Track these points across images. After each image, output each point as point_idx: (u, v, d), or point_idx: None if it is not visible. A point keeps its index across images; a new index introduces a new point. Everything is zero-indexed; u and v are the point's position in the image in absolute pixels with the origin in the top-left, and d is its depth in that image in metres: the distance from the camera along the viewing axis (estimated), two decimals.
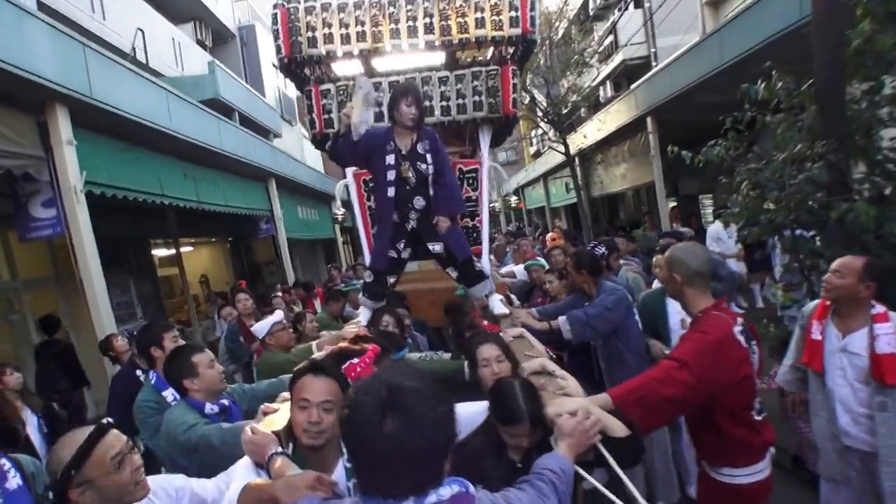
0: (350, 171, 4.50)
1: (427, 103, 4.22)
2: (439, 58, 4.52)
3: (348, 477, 1.86)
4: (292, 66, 4.18)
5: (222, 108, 11.00)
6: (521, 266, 6.06)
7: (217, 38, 16.17)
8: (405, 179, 3.46)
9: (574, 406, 1.87)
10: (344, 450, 1.89)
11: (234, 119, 11.52)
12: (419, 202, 3.51)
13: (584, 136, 17.12)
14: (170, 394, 3.11)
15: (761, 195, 4.66)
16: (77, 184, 5.46)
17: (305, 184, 14.59)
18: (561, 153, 17.48)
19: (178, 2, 13.93)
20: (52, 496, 1.72)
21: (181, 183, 7.93)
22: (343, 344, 2.77)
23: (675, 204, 16.07)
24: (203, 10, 14.76)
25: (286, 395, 2.36)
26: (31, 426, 3.76)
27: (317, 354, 3.07)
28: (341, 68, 4.54)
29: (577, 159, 18.05)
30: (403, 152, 3.45)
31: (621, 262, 5.74)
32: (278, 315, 4.32)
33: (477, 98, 4.30)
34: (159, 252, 11.64)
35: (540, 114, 17.21)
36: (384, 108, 3.95)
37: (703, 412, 2.29)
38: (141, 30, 10.26)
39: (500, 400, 2.05)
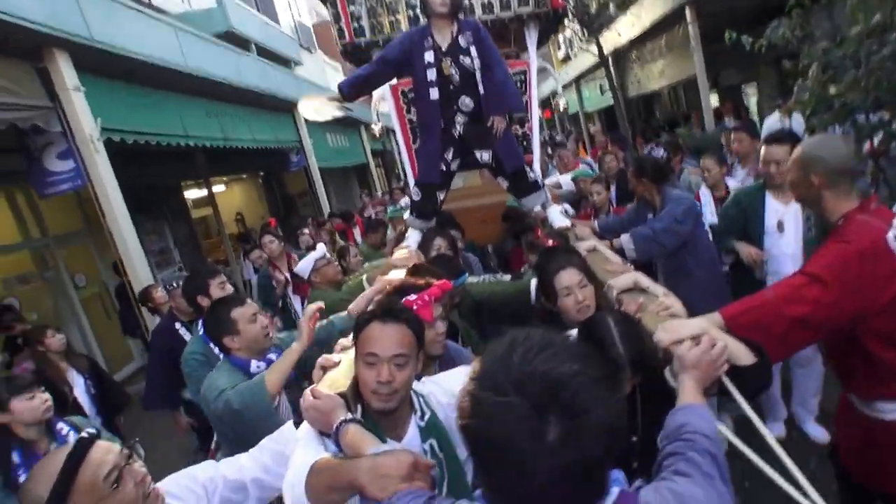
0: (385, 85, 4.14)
1: (465, 1, 3.98)
2: None
3: (423, 438, 1.62)
4: None
5: (238, 41, 10.60)
6: (568, 176, 5.65)
7: None
8: (448, 78, 3.17)
9: (693, 330, 1.53)
10: (416, 406, 1.67)
11: (250, 51, 11.10)
12: (466, 102, 3.22)
13: (619, 34, 16.20)
14: None
15: (833, 77, 4.20)
16: (93, 132, 5.27)
17: None
18: (593, 55, 16.68)
19: None
20: None
21: (205, 122, 7.70)
22: (403, 277, 2.46)
23: (717, 97, 15.23)
24: None
25: (346, 342, 2.04)
26: (79, 388, 3.74)
27: (369, 289, 2.76)
28: None
29: (610, 59, 17.23)
30: (443, 48, 3.16)
31: (682, 164, 5.33)
32: (320, 250, 4.12)
33: None
34: (192, 194, 11.62)
35: (569, 16, 16.37)
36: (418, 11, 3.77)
37: (847, 336, 1.89)
38: None
39: (593, 347, 1.67)
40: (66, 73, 5.04)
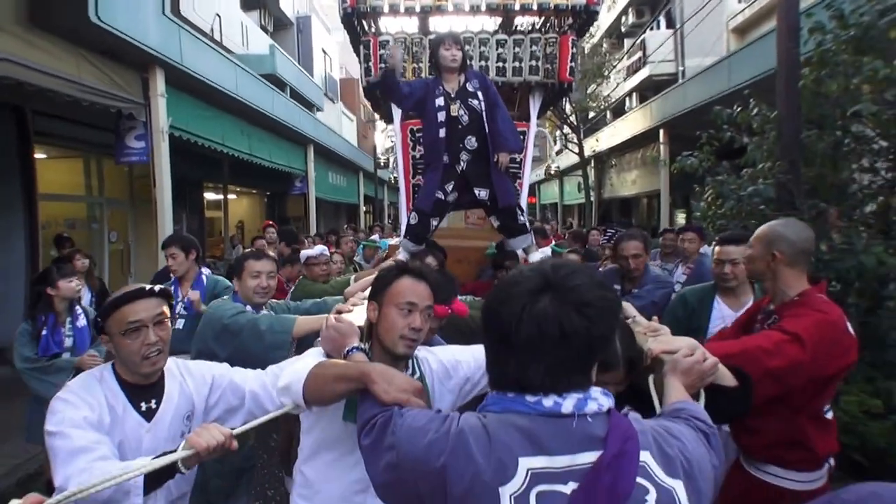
0: (397, 120, 4.45)
1: (482, 63, 4.34)
2: (495, 23, 4.83)
3: None
4: (352, 19, 4.41)
5: (277, 83, 12.90)
6: (547, 249, 5.83)
7: (277, 24, 18.34)
8: (456, 118, 3.50)
9: (686, 344, 1.54)
10: (410, 364, 1.83)
11: (285, 92, 13.44)
12: (471, 142, 3.53)
13: (597, 140, 18.41)
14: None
15: (721, 204, 5.15)
16: (164, 126, 7.28)
17: (338, 152, 16.64)
18: (575, 153, 18.85)
19: None
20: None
21: (238, 137, 9.83)
22: None
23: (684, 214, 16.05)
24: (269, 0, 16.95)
25: (355, 299, 2.33)
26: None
27: (366, 279, 3.03)
28: (396, 25, 4.82)
29: (592, 161, 19.33)
30: (452, 94, 3.52)
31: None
32: (318, 249, 4.68)
33: (534, 62, 4.30)
34: (209, 196, 13.57)
35: (567, 114, 18.54)
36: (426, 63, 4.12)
37: (778, 398, 1.97)
38: (219, 15, 12.34)
39: None
40: (159, 83, 7.14)
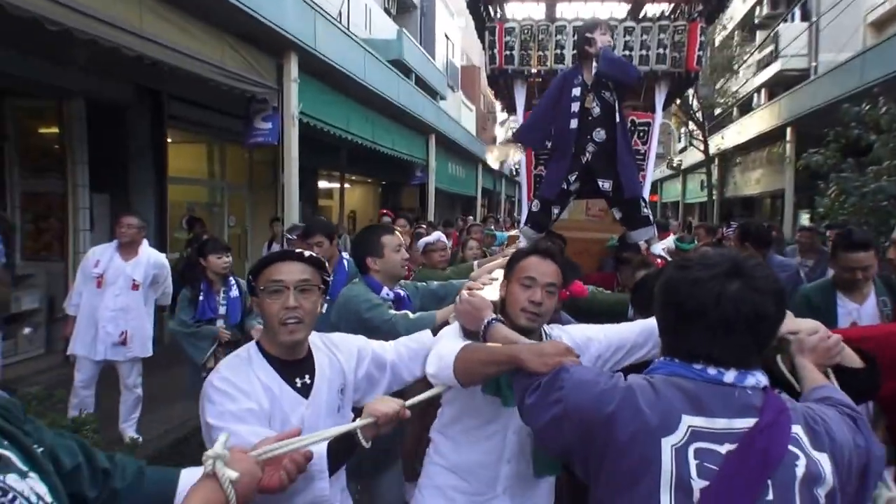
0: (520, 111, 4.47)
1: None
2: (622, 11, 4.81)
3: None
4: (478, 4, 4.47)
5: (402, 69, 12.89)
6: (666, 241, 5.73)
7: (401, 7, 18.42)
8: (588, 110, 3.52)
9: (810, 325, 1.61)
10: (545, 335, 1.92)
11: (410, 79, 13.41)
12: (599, 134, 3.53)
13: (722, 138, 17.85)
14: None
15: (845, 200, 5.24)
16: (294, 111, 7.34)
17: (459, 143, 16.46)
18: (700, 150, 18.06)
19: None
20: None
21: (362, 124, 9.81)
22: None
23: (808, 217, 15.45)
24: None
25: (486, 279, 2.45)
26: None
27: (493, 262, 3.18)
28: (523, 12, 4.84)
29: (716, 160, 18.66)
30: (588, 84, 3.53)
31: None
32: (435, 236, 4.70)
33: (661, 51, 4.21)
34: (322, 184, 13.78)
35: (694, 110, 17.91)
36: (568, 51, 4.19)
37: None
38: None
39: None
40: (292, 68, 7.19)
